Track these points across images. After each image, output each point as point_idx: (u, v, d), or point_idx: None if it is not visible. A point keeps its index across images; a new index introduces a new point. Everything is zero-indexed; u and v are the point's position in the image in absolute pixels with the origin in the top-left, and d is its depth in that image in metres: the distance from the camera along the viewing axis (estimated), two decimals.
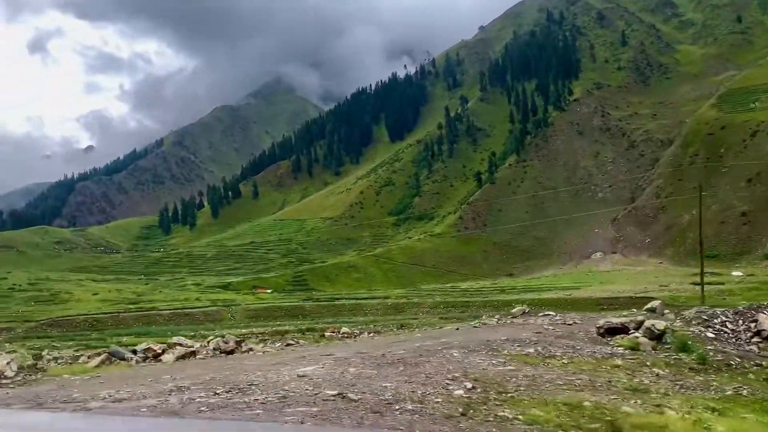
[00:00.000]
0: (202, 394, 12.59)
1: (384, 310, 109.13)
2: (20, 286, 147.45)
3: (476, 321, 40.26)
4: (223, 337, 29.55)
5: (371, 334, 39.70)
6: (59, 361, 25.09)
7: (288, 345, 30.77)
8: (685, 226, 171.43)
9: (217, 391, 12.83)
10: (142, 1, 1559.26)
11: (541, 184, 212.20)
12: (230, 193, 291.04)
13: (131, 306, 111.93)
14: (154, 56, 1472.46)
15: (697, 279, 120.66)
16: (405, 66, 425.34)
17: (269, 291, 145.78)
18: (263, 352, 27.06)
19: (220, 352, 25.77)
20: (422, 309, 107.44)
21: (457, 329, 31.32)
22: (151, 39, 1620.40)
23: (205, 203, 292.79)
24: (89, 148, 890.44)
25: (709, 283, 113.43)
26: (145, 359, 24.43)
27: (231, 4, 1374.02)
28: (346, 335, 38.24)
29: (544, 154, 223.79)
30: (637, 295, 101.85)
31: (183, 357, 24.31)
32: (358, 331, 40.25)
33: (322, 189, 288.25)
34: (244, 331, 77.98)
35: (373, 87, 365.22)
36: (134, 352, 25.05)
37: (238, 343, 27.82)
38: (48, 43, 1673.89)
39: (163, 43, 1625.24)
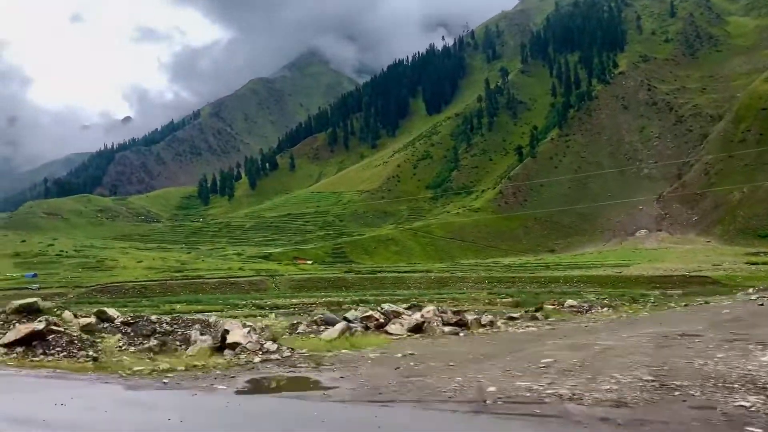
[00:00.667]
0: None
1: (427, 283, 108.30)
2: (67, 252, 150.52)
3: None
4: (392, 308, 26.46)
5: (605, 309, 36.74)
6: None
7: (512, 319, 28.21)
8: (735, 204, 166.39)
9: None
10: None
11: (584, 159, 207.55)
12: (267, 164, 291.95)
13: (177, 274, 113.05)
14: (191, 27, 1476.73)
15: (752, 258, 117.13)
16: (443, 38, 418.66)
17: (310, 262, 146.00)
18: (524, 328, 24.35)
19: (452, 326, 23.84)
20: (467, 283, 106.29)
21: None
22: (187, 9, 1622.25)
23: (243, 174, 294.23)
24: (127, 119, 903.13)
25: (765, 263, 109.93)
26: (366, 329, 22.88)
27: None
28: (574, 309, 34.97)
29: (587, 129, 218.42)
30: (691, 274, 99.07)
31: (414, 329, 22.54)
32: (586, 305, 36.87)
33: (359, 162, 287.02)
34: (294, 301, 77.98)
35: (409, 59, 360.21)
36: (346, 319, 23.61)
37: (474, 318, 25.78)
38: (87, 14, 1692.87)
39: (198, 13, 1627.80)
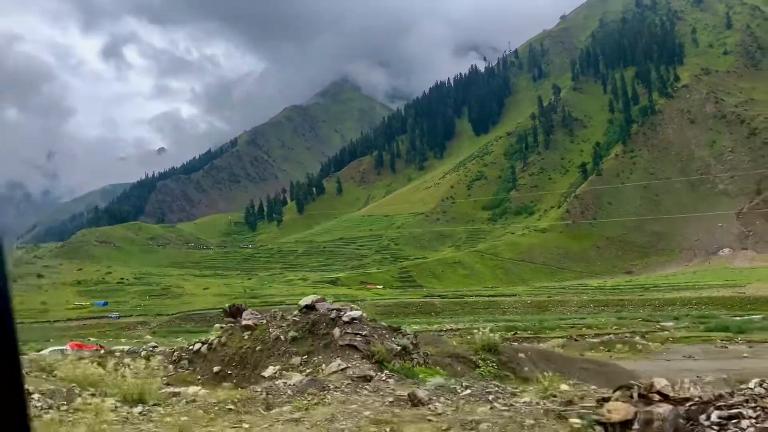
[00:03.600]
0: None
1: (524, 308, 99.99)
2: (128, 280, 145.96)
3: None
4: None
5: None
6: None
7: None
8: None
9: None
10: (210, 4, 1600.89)
11: (652, 175, 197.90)
12: (315, 189, 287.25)
13: (254, 300, 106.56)
14: (223, 59, 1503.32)
15: None
16: (485, 58, 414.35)
17: (380, 287, 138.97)
18: None
19: None
20: (570, 307, 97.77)
21: None
22: (220, 41, 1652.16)
23: (289, 200, 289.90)
24: (161, 149, 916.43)
25: None
26: None
27: (296, 4, 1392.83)
28: None
29: (653, 144, 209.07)
30: None
31: None
32: None
33: (407, 184, 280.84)
34: (416, 327, 70.26)
35: (451, 81, 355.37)
36: None
37: None
38: (122, 48, 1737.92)
39: (231, 45, 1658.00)
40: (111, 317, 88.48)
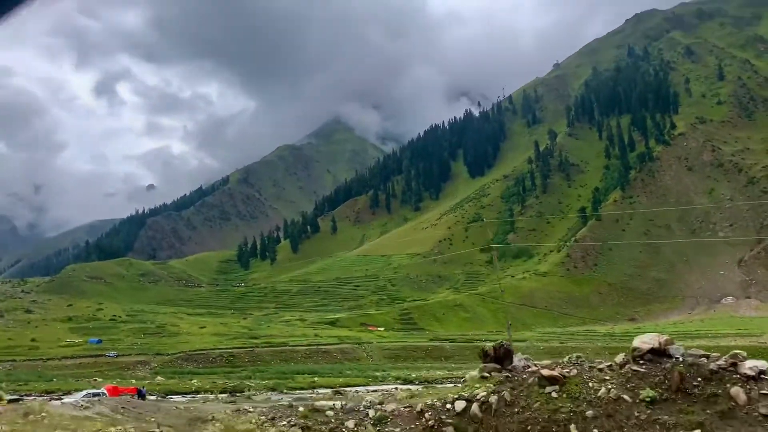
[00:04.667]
0: None
1: (537, 354, 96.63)
2: (120, 317, 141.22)
3: None
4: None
5: None
6: None
7: None
8: None
9: None
10: (204, 44, 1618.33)
11: (652, 222, 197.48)
12: (309, 227, 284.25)
13: (255, 341, 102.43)
14: (216, 97, 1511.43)
15: None
16: (471, 106, 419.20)
17: (381, 329, 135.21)
18: None
19: None
20: (585, 354, 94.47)
21: None
22: (213, 80, 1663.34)
23: (282, 238, 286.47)
24: (150, 186, 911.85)
25: None
26: None
27: (289, 46, 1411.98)
28: None
29: (651, 191, 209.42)
30: None
31: None
32: None
33: (402, 224, 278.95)
34: (439, 373, 66.98)
35: (446, 124, 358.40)
36: None
37: None
38: (115, 85, 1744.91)
39: (224, 84, 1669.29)
40: (109, 355, 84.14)
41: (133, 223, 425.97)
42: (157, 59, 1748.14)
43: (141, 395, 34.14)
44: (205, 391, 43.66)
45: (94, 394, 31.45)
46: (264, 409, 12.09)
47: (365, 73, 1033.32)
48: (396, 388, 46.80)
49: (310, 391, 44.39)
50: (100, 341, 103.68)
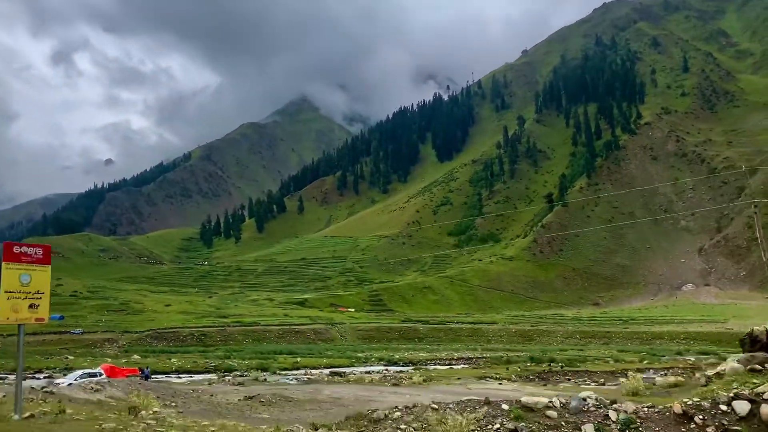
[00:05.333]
0: None
1: (509, 336, 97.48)
2: (81, 293, 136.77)
3: None
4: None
5: None
6: None
7: None
8: None
9: None
10: (168, 17, 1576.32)
11: (617, 209, 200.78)
12: (275, 207, 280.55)
13: (224, 319, 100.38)
14: (178, 72, 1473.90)
15: None
16: (437, 89, 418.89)
17: (352, 310, 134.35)
18: None
19: None
20: (555, 338, 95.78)
21: None
22: (175, 54, 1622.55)
23: (247, 217, 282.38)
24: (108, 160, 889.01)
25: None
26: None
27: (256, 22, 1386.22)
28: None
29: (617, 179, 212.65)
30: None
31: None
32: None
33: (370, 206, 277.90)
34: (423, 355, 66.32)
35: (414, 106, 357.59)
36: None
37: None
38: (73, 55, 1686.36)
39: (187, 58, 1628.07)
40: (74, 332, 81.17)
41: (91, 197, 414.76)
42: (117, 30, 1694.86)
43: (144, 376, 32.30)
44: (188, 372, 42.00)
45: (91, 374, 29.62)
46: (452, 405, 10.25)
47: (333, 52, 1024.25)
48: (387, 369, 46.03)
49: (304, 372, 43.13)
50: (62, 317, 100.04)
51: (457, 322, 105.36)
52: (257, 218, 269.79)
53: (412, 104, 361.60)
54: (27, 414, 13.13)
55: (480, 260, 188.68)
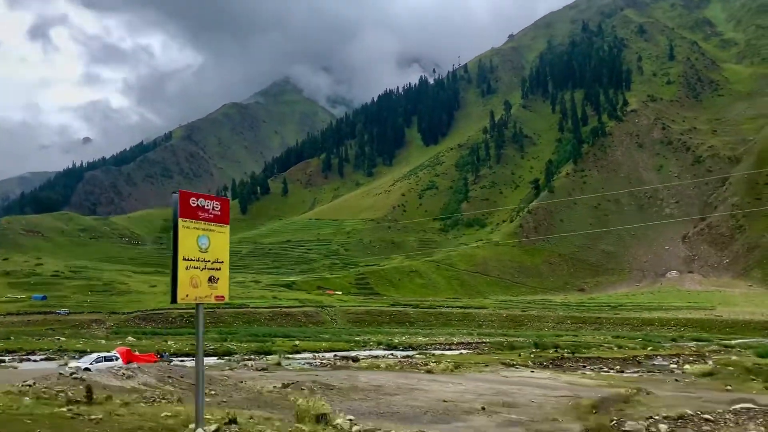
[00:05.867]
0: None
1: (500, 321, 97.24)
2: (62, 273, 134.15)
3: None
4: None
5: None
6: None
7: None
8: None
9: None
10: None
11: (602, 195, 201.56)
12: (259, 188, 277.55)
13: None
14: (159, 50, 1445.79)
15: None
16: (421, 73, 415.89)
17: (339, 293, 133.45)
18: None
19: None
20: (547, 323, 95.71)
21: None
22: (156, 32, 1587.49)
23: (230, 198, 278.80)
24: (87, 139, 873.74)
25: None
26: None
27: (240, 1, 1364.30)
28: None
29: (603, 165, 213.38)
30: None
31: None
32: None
33: (355, 189, 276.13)
34: (421, 339, 65.35)
35: (400, 90, 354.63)
36: None
37: None
38: (50, 30, 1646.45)
39: (168, 36, 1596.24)
40: (59, 313, 79.05)
41: (69, 176, 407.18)
42: (96, 5, 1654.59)
43: (168, 361, 30.74)
44: (187, 355, 40.57)
45: (106, 358, 28.13)
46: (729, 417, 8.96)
47: (317, 34, 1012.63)
48: (391, 354, 45.04)
49: (312, 356, 41.94)
50: (44, 297, 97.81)
51: (447, 307, 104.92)
52: (241, 200, 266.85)
53: (398, 87, 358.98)
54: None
55: (466, 245, 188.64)
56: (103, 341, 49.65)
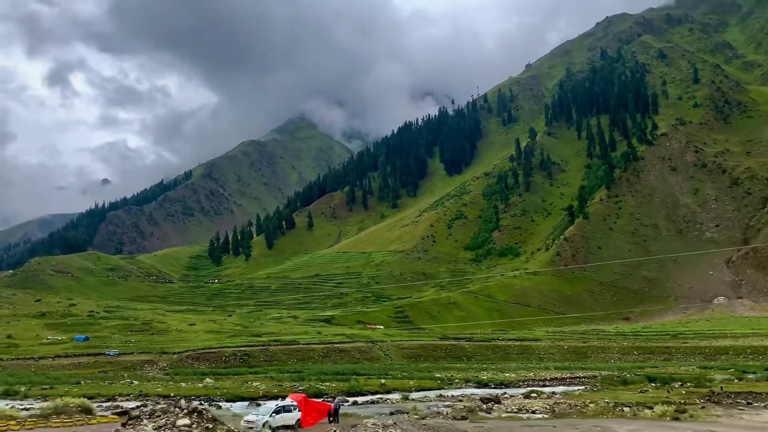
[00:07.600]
0: None
1: (562, 354, 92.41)
2: (97, 313, 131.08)
3: None
4: None
5: None
6: None
7: None
8: None
9: None
10: (164, 35, 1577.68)
11: (639, 221, 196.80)
12: (284, 223, 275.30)
13: (258, 338, 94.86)
14: (175, 90, 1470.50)
15: None
16: (453, 101, 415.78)
17: (380, 327, 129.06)
18: None
19: None
20: (612, 355, 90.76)
21: None
22: (172, 73, 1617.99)
23: (255, 234, 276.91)
24: (105, 180, 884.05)
25: None
26: None
27: (251, 40, 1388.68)
28: None
29: (637, 190, 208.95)
30: None
31: None
32: None
33: (379, 221, 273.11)
34: (511, 376, 61.08)
35: (419, 121, 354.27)
36: None
37: None
38: (68, 75, 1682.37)
39: (183, 77, 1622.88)
40: (109, 354, 75.69)
41: (92, 216, 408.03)
42: (113, 49, 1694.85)
43: (335, 411, 27.16)
44: (275, 397, 36.76)
45: (285, 408, 24.72)
46: None
47: (330, 70, 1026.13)
48: (532, 393, 41.02)
49: (436, 395, 38.01)
50: (87, 338, 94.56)
51: (500, 340, 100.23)
52: (266, 235, 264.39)
53: (417, 119, 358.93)
54: None
55: (503, 275, 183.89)
56: (183, 384, 45.90)
